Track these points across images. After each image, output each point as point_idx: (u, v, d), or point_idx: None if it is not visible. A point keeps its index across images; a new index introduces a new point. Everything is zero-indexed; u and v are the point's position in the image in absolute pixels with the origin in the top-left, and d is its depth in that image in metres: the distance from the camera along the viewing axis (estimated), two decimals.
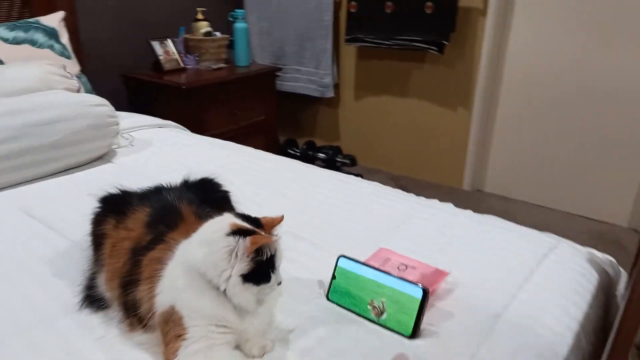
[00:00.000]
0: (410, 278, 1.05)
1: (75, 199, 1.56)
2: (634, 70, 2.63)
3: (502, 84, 3.06)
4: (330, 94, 3.52)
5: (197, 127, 2.58)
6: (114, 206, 1.15)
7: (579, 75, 2.79)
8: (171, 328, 0.92)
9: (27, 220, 1.43)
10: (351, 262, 1.11)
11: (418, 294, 1.00)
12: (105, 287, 1.07)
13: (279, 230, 0.97)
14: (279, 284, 0.95)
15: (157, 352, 0.94)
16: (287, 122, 3.95)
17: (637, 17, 2.58)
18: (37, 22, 2.39)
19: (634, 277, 0.87)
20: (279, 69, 3.48)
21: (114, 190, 1.18)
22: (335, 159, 3.48)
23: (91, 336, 0.99)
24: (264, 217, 0.98)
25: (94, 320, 1.04)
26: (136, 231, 1.07)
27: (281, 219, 0.99)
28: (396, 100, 3.41)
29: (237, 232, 0.89)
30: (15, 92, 1.88)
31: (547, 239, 1.34)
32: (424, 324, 1.00)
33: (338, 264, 1.12)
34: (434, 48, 2.98)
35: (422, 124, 3.35)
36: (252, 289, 0.91)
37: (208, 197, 1.22)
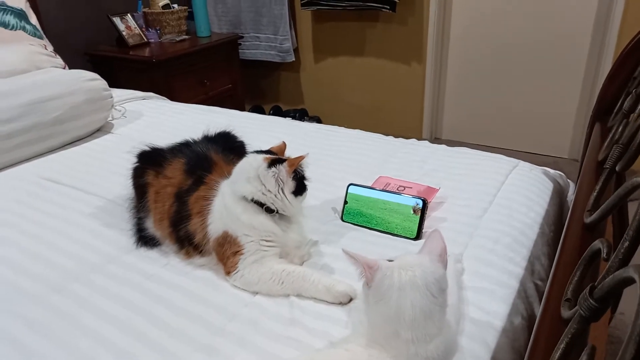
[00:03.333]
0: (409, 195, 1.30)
1: (92, 166, 1.70)
2: (567, 16, 2.95)
3: (450, 37, 3.33)
4: (291, 58, 3.68)
5: (170, 99, 2.69)
6: (151, 160, 1.32)
7: (517, 23, 3.09)
8: (227, 248, 1.13)
9: (56, 187, 1.56)
10: (359, 187, 1.35)
11: (419, 204, 1.25)
12: (156, 227, 1.26)
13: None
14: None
15: (216, 269, 1.14)
16: (252, 89, 4.09)
17: None
18: (4, 4, 2.41)
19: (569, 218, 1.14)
20: (240, 37, 3.59)
21: (145, 147, 1.35)
22: (302, 121, 3.67)
23: (157, 265, 1.18)
24: (272, 147, 1.21)
25: (152, 254, 1.23)
26: (176, 178, 1.26)
27: (284, 144, 1.22)
28: (354, 60, 3.61)
29: (272, 162, 1.10)
30: (3, 75, 1.96)
31: (510, 160, 1.62)
32: (424, 228, 1.25)
33: (349, 190, 1.35)
34: (386, 7, 3.19)
35: (380, 81, 3.58)
36: (300, 199, 1.15)
37: (227, 146, 1.40)
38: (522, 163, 1.61)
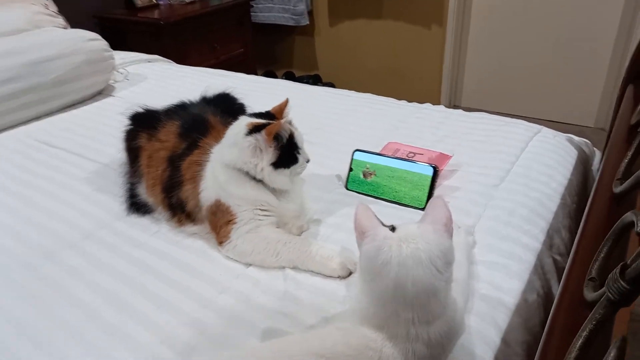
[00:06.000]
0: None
1: (90, 130, 1.64)
2: None
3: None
4: (304, 21, 3.54)
5: (179, 63, 2.60)
6: (144, 122, 1.24)
7: None
8: (220, 217, 1.05)
9: (52, 150, 1.51)
10: (365, 154, 1.25)
11: (429, 172, 1.15)
12: (148, 194, 1.19)
13: (290, 114, 1.09)
14: (308, 161, 1.08)
15: (208, 239, 1.07)
16: (264, 54, 3.97)
17: None
18: None
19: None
20: None
21: (139, 109, 1.27)
22: None
23: (147, 232, 1.12)
24: (272, 108, 1.11)
25: (143, 221, 1.16)
26: (170, 142, 1.18)
27: (286, 101, 1.11)
28: (371, 23, 3.45)
29: (253, 129, 1.01)
30: (5, 34, 1.89)
31: (531, 126, 1.50)
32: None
33: (354, 157, 1.26)
34: None
35: (397, 45, 3.43)
36: (284, 172, 1.04)
37: (227, 109, 1.31)
38: (544, 129, 1.49)
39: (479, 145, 1.39)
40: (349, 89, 1.95)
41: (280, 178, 1.04)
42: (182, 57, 2.79)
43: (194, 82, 2.01)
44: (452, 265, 0.71)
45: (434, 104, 1.75)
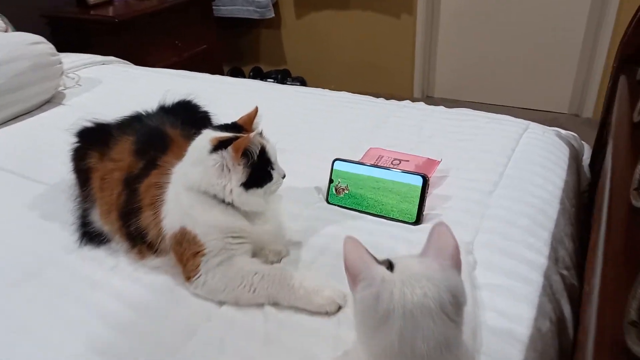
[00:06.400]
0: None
1: (38, 144, 1.46)
2: None
3: None
4: (270, 14, 3.38)
5: (139, 63, 2.43)
6: (94, 139, 1.09)
7: None
8: (186, 248, 0.92)
9: None
10: (346, 163, 1.13)
11: (418, 182, 1.04)
12: (103, 221, 1.04)
13: (260, 125, 0.96)
14: (284, 177, 0.96)
15: (175, 273, 0.94)
16: (230, 50, 3.79)
17: None
18: None
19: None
20: None
21: (88, 124, 1.12)
22: (285, 83, 3.41)
23: (103, 268, 0.97)
24: (239, 118, 0.97)
25: (99, 254, 1.02)
26: (125, 161, 1.03)
27: (255, 110, 0.97)
28: (338, 13, 3.32)
29: (218, 145, 0.87)
30: None
31: (518, 122, 1.41)
32: (425, 210, 1.05)
33: (334, 167, 1.14)
34: None
35: (367, 36, 3.31)
36: (257, 192, 0.91)
37: (188, 118, 1.17)
38: (532, 125, 1.40)
39: (466, 145, 1.29)
40: (320, 84, 1.83)
41: (252, 199, 0.91)
42: (141, 56, 2.61)
43: (153, 85, 1.84)
44: (465, 307, 0.60)
45: (407, 97, 1.64)
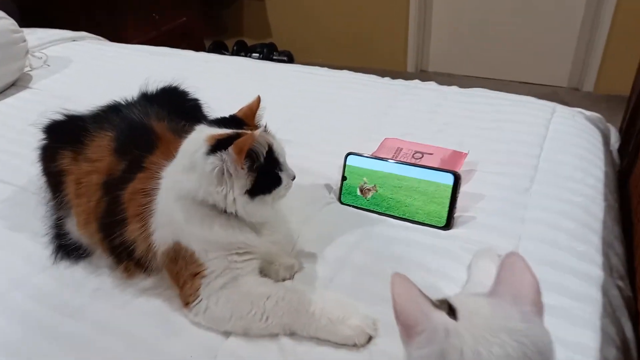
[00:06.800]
0: (431, 165, 0.95)
1: (2, 135, 1.28)
2: None
3: None
4: None
5: (114, 39, 2.22)
6: (65, 135, 0.92)
7: None
8: (183, 267, 0.77)
9: None
10: (362, 158, 0.99)
11: (449, 180, 0.90)
12: (81, 232, 0.89)
13: (263, 117, 0.81)
14: (293, 179, 0.81)
15: (170, 296, 0.79)
16: (211, 23, 3.56)
17: None
18: None
19: None
20: None
21: (57, 116, 0.95)
22: (271, 58, 3.22)
23: (83, 291, 0.82)
24: (239, 110, 0.81)
25: (77, 272, 0.86)
26: (103, 161, 0.87)
27: (258, 100, 0.82)
28: None
29: (217, 145, 0.72)
30: None
31: (544, 104, 1.27)
32: (457, 211, 0.91)
33: (347, 162, 0.99)
34: None
35: (358, 6, 3.12)
36: (265, 200, 0.76)
37: (176, 108, 1.01)
38: (559, 107, 1.27)
39: (490, 134, 1.15)
40: (308, 59, 1.66)
41: (259, 209, 0.77)
42: (117, 31, 2.44)
43: (132, 66, 1.66)
44: None
45: (399, 70, 1.49)
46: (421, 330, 0.47)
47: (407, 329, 0.48)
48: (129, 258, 0.82)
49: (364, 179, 0.96)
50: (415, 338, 0.48)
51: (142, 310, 0.78)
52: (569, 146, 1.09)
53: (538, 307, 0.49)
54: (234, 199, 0.74)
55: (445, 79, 3.15)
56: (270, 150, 0.77)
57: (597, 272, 0.80)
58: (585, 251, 0.83)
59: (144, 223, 0.80)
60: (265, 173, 0.75)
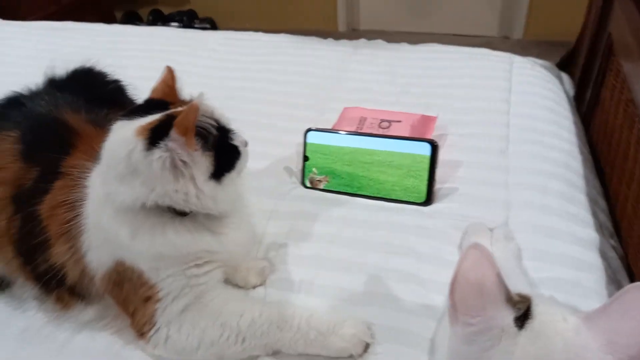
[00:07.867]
0: (401, 134, 0.85)
1: None
2: None
3: None
4: None
5: (7, 17, 1.91)
6: None
7: None
8: (131, 291, 0.63)
9: None
10: (323, 134, 0.86)
11: (425, 150, 0.80)
12: None
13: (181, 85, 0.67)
14: (246, 145, 0.68)
15: (120, 328, 0.65)
16: None
17: None
18: None
19: None
20: None
21: None
22: (192, 26, 2.97)
23: (8, 333, 0.66)
24: (152, 91, 0.66)
25: None
26: (9, 169, 0.70)
27: (170, 71, 0.67)
28: None
29: (154, 136, 0.57)
30: None
31: (501, 55, 1.20)
32: (437, 183, 0.82)
33: (307, 139, 0.87)
34: None
35: None
36: (232, 178, 0.64)
37: (95, 94, 0.84)
38: (516, 58, 1.20)
39: (453, 92, 1.06)
40: (233, 25, 1.49)
41: (229, 192, 0.63)
42: (9, 6, 2.12)
43: (33, 47, 1.41)
44: None
45: (330, 30, 1.37)
46: (472, 323, 0.39)
47: (457, 312, 0.40)
48: (59, 286, 0.67)
49: (314, 169, 0.85)
50: (461, 325, 0.39)
51: (85, 351, 0.64)
52: (536, 98, 1.03)
53: None
54: (197, 192, 0.60)
55: (378, 36, 3.02)
56: (217, 120, 0.63)
57: (592, 234, 0.74)
58: (576, 213, 0.77)
59: (73, 244, 0.64)
60: (221, 147, 0.62)
